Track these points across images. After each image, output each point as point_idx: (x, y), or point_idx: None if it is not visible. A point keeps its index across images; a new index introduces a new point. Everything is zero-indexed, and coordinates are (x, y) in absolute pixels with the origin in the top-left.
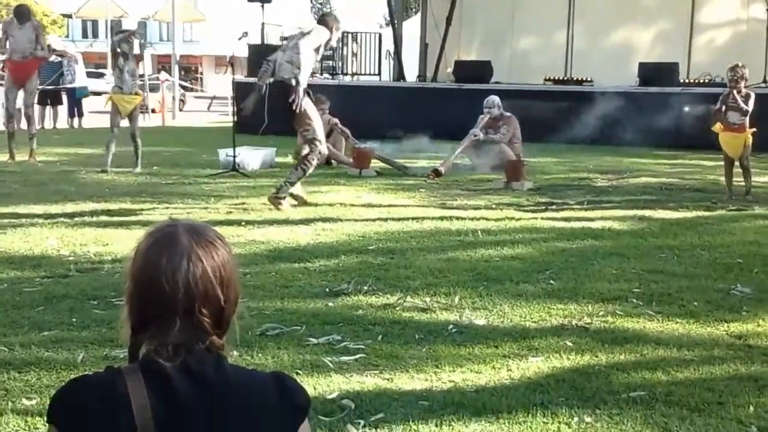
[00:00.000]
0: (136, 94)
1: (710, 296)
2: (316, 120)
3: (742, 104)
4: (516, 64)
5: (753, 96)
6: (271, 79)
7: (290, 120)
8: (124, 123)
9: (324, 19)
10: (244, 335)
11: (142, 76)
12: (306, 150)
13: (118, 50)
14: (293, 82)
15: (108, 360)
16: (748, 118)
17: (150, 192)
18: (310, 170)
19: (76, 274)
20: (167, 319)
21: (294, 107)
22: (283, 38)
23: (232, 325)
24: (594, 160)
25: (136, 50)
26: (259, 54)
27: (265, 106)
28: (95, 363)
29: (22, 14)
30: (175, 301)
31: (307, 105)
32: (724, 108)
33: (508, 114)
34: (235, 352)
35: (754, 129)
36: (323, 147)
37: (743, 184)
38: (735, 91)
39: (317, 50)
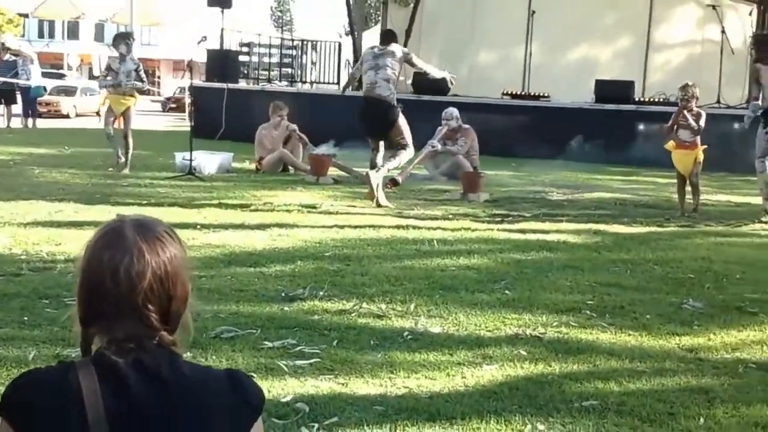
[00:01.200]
0: (131, 95)
1: (662, 310)
2: (407, 129)
3: (693, 123)
4: (475, 77)
5: (704, 115)
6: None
7: (381, 132)
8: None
9: (394, 36)
10: (198, 338)
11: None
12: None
13: (116, 52)
14: (394, 101)
15: (59, 358)
16: (699, 137)
17: (104, 193)
18: (403, 161)
19: (28, 273)
20: (114, 313)
21: (392, 122)
22: (371, 54)
23: (188, 324)
24: (550, 175)
25: (132, 53)
26: (218, 59)
27: (223, 112)
28: (46, 361)
29: None
30: (120, 295)
31: (402, 118)
32: (675, 126)
33: (466, 126)
34: (189, 354)
35: (705, 146)
36: (411, 149)
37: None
38: (686, 110)
39: None
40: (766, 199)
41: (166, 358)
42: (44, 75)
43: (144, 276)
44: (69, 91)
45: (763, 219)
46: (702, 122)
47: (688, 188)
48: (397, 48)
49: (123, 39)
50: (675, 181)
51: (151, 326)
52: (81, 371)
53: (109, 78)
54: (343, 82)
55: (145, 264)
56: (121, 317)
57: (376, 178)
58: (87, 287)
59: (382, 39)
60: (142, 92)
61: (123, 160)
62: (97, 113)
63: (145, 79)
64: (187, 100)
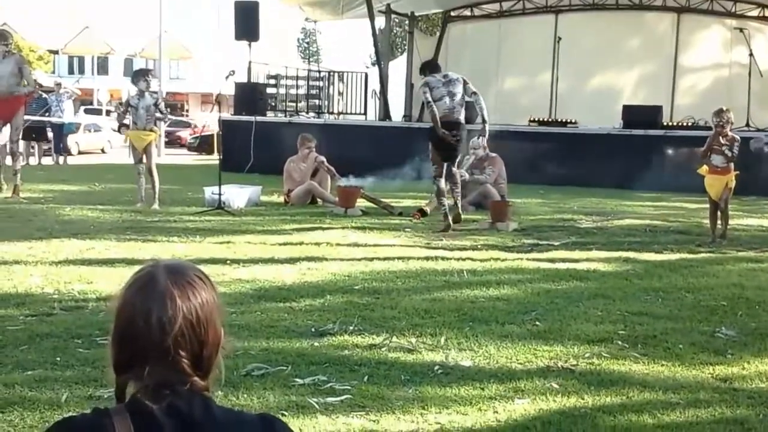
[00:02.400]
0: (151, 130)
1: (695, 339)
2: None
3: (726, 150)
4: (501, 104)
5: (738, 140)
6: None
7: (456, 155)
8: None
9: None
10: (229, 375)
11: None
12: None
13: (136, 88)
14: (464, 121)
15: (92, 400)
16: (732, 163)
17: (135, 229)
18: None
19: (60, 313)
20: (146, 359)
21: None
22: (443, 79)
23: (220, 367)
24: (578, 202)
25: (154, 87)
26: (245, 92)
27: (251, 144)
28: (79, 403)
29: (2, 35)
30: (152, 342)
31: None
32: (709, 151)
33: (493, 154)
34: (219, 392)
35: (737, 172)
36: None
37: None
38: (720, 135)
39: None
40: None
41: (199, 402)
42: (87, 111)
43: (175, 322)
44: None
45: None
46: (736, 149)
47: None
48: (457, 76)
49: (142, 75)
50: (706, 206)
51: (183, 372)
52: (116, 418)
53: (128, 115)
54: (373, 112)
55: (177, 310)
56: (153, 363)
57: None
58: (120, 333)
59: (436, 68)
60: (24, 95)
61: (143, 201)
62: (102, 150)
63: (164, 111)
64: (216, 133)
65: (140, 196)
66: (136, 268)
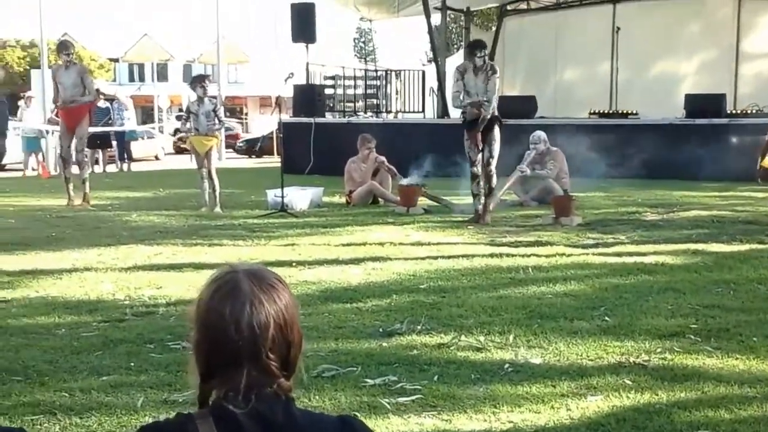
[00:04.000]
0: (213, 135)
1: None
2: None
3: None
4: (560, 97)
5: None
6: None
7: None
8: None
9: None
10: (300, 377)
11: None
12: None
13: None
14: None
15: (167, 404)
16: None
17: (201, 234)
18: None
19: (132, 318)
20: (235, 366)
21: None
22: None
23: (300, 367)
24: (643, 194)
25: (213, 92)
26: (304, 93)
27: (311, 146)
28: (155, 407)
29: (64, 46)
30: (242, 348)
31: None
32: None
33: (554, 149)
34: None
35: None
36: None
37: None
38: None
39: None
40: None
41: (281, 406)
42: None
43: (266, 326)
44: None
45: None
46: None
47: None
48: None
49: (199, 81)
50: None
51: (273, 374)
52: (200, 423)
53: (189, 121)
54: (431, 110)
55: (266, 314)
56: (242, 368)
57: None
58: (208, 341)
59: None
60: (87, 104)
61: (207, 205)
62: (156, 157)
63: (223, 119)
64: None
65: (204, 200)
66: (204, 272)
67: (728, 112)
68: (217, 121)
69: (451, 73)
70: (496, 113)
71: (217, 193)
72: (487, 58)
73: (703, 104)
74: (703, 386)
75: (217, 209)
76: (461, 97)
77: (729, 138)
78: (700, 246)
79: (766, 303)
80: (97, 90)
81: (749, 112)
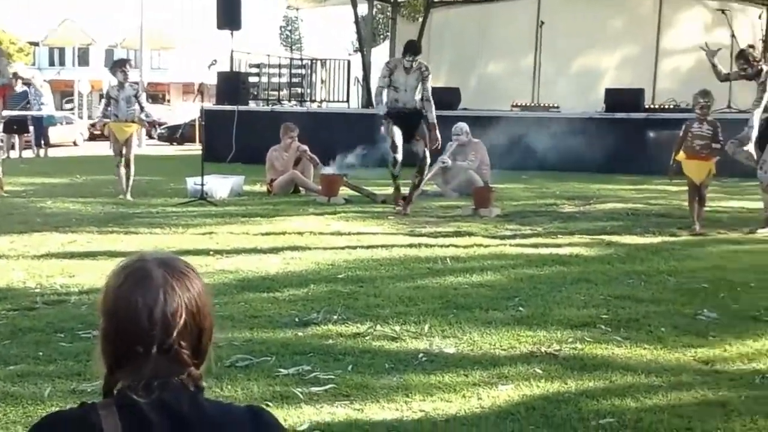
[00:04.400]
0: (132, 121)
1: (677, 321)
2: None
3: (708, 132)
4: (484, 89)
5: (719, 126)
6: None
7: None
8: None
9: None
10: (212, 367)
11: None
12: None
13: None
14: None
15: (75, 394)
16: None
17: (117, 222)
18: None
19: (43, 307)
20: (146, 355)
21: None
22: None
23: (210, 355)
24: (561, 186)
25: (133, 78)
26: (228, 81)
27: (233, 134)
28: (63, 397)
29: None
30: (154, 336)
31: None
32: (690, 135)
33: (476, 140)
34: (204, 384)
35: (718, 157)
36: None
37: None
38: (700, 120)
39: None
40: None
41: (187, 396)
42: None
43: (179, 314)
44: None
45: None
46: (721, 135)
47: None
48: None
49: (119, 66)
50: (687, 188)
51: (184, 362)
52: (103, 412)
53: (110, 107)
54: (356, 100)
55: (179, 302)
56: (152, 357)
57: None
58: (118, 330)
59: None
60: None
61: (125, 195)
62: (75, 143)
63: (145, 105)
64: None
65: (122, 187)
66: (119, 260)
67: (646, 106)
68: (138, 108)
69: (377, 63)
70: (418, 106)
71: (131, 180)
72: (414, 63)
73: (622, 99)
74: (612, 375)
75: (128, 196)
76: (383, 94)
77: (646, 132)
78: (614, 238)
79: (675, 294)
80: (15, 74)
81: (667, 107)
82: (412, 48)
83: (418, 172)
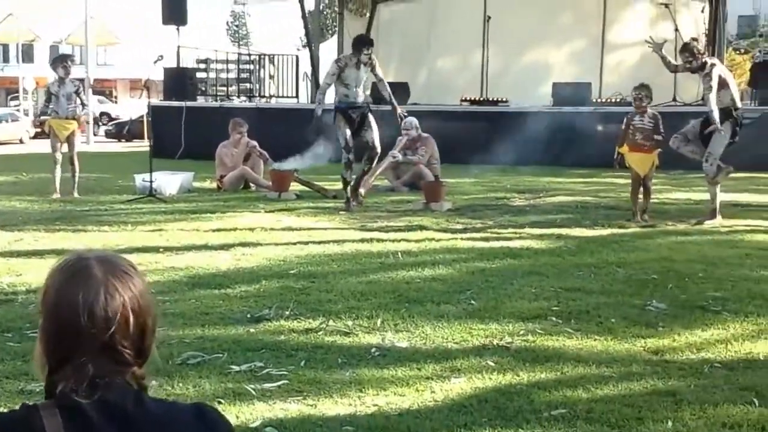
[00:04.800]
0: (74, 118)
1: (627, 312)
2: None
3: (649, 124)
4: (433, 84)
5: (659, 117)
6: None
7: None
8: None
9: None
10: (164, 364)
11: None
12: None
13: (55, 76)
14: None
15: (23, 394)
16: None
17: (65, 219)
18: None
19: None
20: (87, 354)
21: None
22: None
23: (154, 354)
24: (511, 180)
25: (78, 75)
26: (175, 77)
27: (182, 130)
28: (10, 398)
29: None
30: (95, 336)
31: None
32: (631, 128)
33: (426, 135)
34: (155, 382)
35: (660, 149)
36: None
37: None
38: (640, 112)
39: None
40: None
41: (131, 395)
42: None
43: (120, 313)
44: None
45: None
46: (661, 126)
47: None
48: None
49: (61, 62)
50: None
51: (125, 362)
52: (45, 413)
53: (51, 104)
54: (305, 95)
55: (121, 301)
56: (94, 357)
57: None
58: (58, 330)
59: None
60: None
61: (58, 192)
62: (21, 141)
63: (86, 102)
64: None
65: (55, 186)
66: None
67: (593, 100)
68: (80, 104)
69: (325, 58)
70: (370, 100)
71: (77, 178)
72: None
73: (569, 93)
74: (563, 367)
75: (75, 194)
76: (324, 92)
77: (594, 126)
78: (564, 230)
79: (624, 285)
80: None
81: (613, 100)
82: (369, 41)
83: (368, 160)
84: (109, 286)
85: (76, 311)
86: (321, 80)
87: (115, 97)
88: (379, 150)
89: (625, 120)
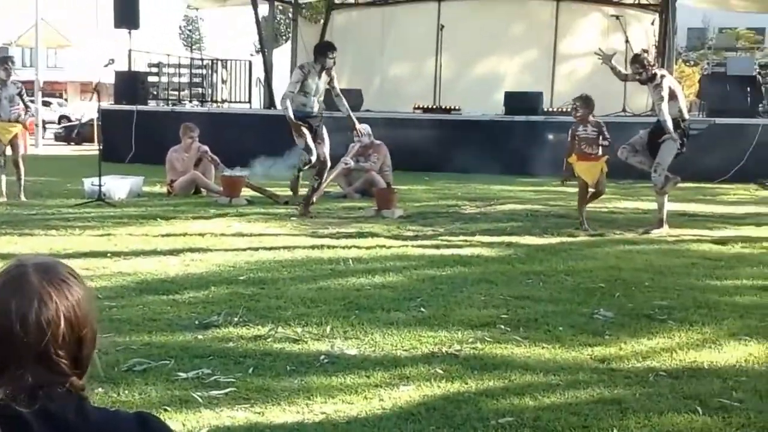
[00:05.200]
0: (17, 121)
1: (574, 321)
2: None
3: (593, 134)
4: (386, 91)
5: (603, 125)
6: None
7: None
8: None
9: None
10: (110, 371)
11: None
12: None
13: None
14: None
15: None
16: (602, 148)
17: (11, 223)
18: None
19: None
20: (22, 363)
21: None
22: None
23: (93, 361)
24: (462, 188)
25: (15, 77)
26: (126, 80)
27: (133, 134)
28: None
29: None
30: (29, 345)
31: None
32: (576, 139)
33: (378, 142)
34: (100, 389)
35: (607, 157)
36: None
37: (596, 208)
38: (582, 122)
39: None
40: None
41: (73, 405)
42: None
43: (54, 322)
44: None
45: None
46: (606, 132)
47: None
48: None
49: (1, 63)
50: None
51: (62, 372)
52: None
53: None
54: (257, 100)
55: (55, 309)
56: (29, 366)
57: None
58: None
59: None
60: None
61: (4, 197)
62: None
63: (30, 105)
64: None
65: (2, 189)
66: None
67: (544, 109)
68: (23, 106)
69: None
70: (324, 108)
71: (22, 181)
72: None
73: (521, 102)
74: (511, 375)
75: (22, 197)
76: (293, 99)
77: (545, 135)
78: (514, 238)
79: (572, 294)
80: None
81: (564, 110)
82: (333, 46)
83: (317, 174)
84: (44, 294)
85: (9, 318)
86: (285, 87)
87: (65, 100)
88: (329, 164)
89: (570, 131)
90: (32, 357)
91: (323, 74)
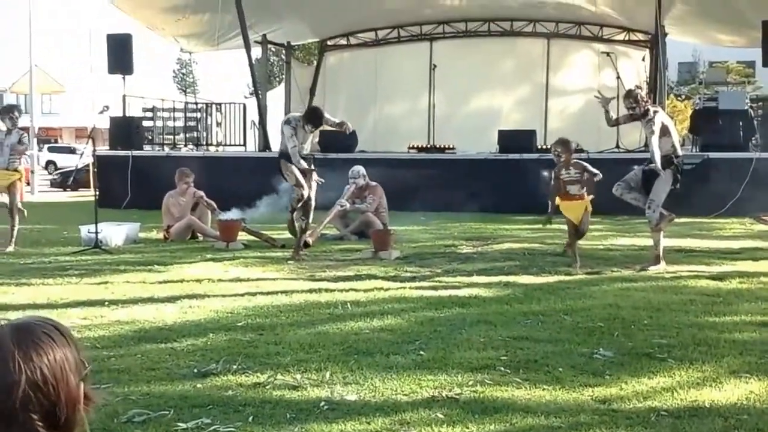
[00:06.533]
0: (15, 170)
1: (574, 361)
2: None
3: (576, 176)
4: (380, 132)
5: (583, 163)
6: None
7: None
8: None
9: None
10: (109, 423)
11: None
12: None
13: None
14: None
15: None
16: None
17: (7, 272)
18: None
19: None
20: None
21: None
22: None
23: (83, 423)
24: (459, 227)
25: (20, 124)
26: (121, 126)
27: (128, 180)
28: None
29: None
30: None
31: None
32: (561, 182)
33: (373, 183)
34: None
35: (593, 196)
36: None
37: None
38: (565, 166)
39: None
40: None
41: None
42: (51, 150)
43: (17, 385)
44: None
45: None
46: (591, 168)
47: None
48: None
49: (8, 112)
50: None
51: (37, 431)
52: None
53: None
54: (252, 143)
55: (19, 372)
56: (4, 425)
57: None
58: None
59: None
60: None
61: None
62: None
63: (26, 143)
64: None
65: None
66: (10, 313)
67: (538, 147)
68: (20, 147)
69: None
70: (318, 149)
71: (16, 230)
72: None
73: (514, 140)
74: (512, 418)
75: (11, 248)
76: (299, 151)
77: (539, 172)
78: (511, 278)
79: (571, 334)
80: None
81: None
82: (318, 122)
83: (303, 214)
84: (17, 356)
85: None
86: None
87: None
88: (313, 203)
89: (553, 173)
90: (5, 418)
91: (309, 131)
